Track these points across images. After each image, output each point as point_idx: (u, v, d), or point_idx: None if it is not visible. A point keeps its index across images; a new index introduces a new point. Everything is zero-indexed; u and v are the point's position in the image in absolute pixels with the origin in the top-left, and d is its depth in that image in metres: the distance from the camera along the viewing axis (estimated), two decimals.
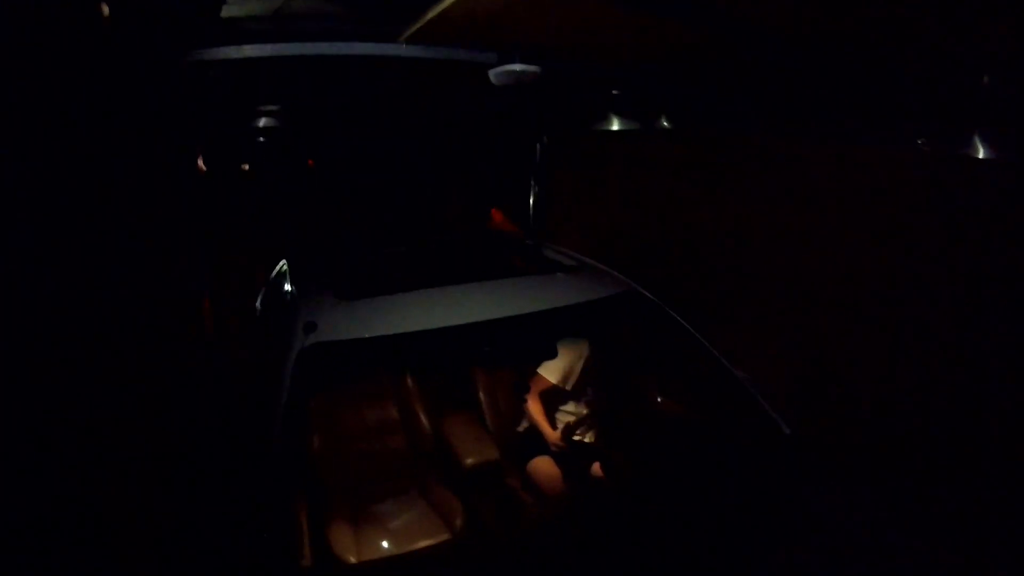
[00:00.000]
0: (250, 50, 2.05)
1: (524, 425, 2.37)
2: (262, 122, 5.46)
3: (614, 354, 2.42)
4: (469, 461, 1.97)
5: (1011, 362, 2.50)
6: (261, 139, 6.33)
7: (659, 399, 2.39)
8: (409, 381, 2.42)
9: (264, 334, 2.50)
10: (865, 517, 1.79)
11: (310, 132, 6.99)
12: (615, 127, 4.27)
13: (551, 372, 2.22)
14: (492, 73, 2.47)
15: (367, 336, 1.89)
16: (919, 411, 2.84)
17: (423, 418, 2.34)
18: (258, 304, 2.78)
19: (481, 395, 2.42)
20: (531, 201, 5.03)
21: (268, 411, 1.75)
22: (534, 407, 2.17)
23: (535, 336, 2.28)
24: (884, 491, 2.49)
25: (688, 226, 4.35)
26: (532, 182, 4.99)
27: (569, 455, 2.10)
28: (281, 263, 2.83)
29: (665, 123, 4.15)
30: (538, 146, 4.96)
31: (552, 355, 2.27)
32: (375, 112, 4.54)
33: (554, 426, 2.23)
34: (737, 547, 1.59)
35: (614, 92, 3.55)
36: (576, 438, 2.14)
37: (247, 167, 10.44)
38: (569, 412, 2.28)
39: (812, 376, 3.34)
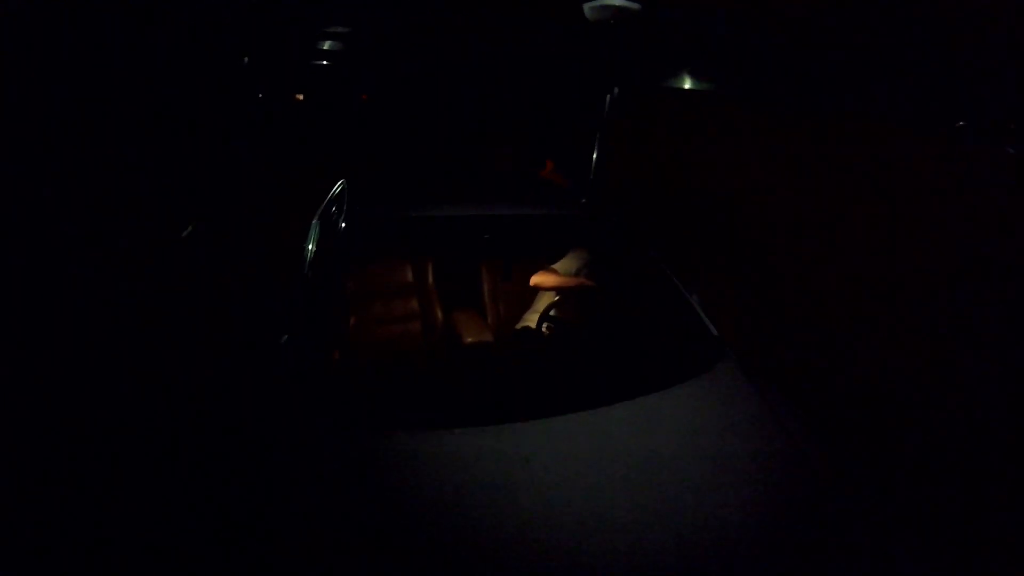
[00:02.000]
0: None
1: (520, 324, 2.86)
2: (326, 45, 5.37)
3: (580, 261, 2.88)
4: (468, 339, 2.51)
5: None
6: (324, 62, 6.24)
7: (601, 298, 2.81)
8: (431, 280, 3.09)
9: (321, 234, 2.94)
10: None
11: (371, 61, 6.87)
12: (691, 85, 4.06)
13: (561, 265, 2.73)
14: (588, 7, 2.34)
15: (400, 216, 2.67)
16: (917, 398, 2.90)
17: (438, 310, 3.03)
18: (316, 216, 3.07)
19: (486, 299, 3.10)
20: (595, 154, 4.85)
21: (322, 274, 2.37)
22: (542, 275, 2.65)
23: (520, 235, 3.11)
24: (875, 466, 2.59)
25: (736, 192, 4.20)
26: (598, 134, 4.79)
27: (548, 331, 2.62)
28: (340, 183, 3.16)
29: (739, 88, 3.93)
30: (608, 97, 4.76)
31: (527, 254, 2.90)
32: (446, 47, 4.40)
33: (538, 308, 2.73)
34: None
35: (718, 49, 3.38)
36: (553, 314, 2.66)
37: (301, 96, 10.41)
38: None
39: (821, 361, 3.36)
